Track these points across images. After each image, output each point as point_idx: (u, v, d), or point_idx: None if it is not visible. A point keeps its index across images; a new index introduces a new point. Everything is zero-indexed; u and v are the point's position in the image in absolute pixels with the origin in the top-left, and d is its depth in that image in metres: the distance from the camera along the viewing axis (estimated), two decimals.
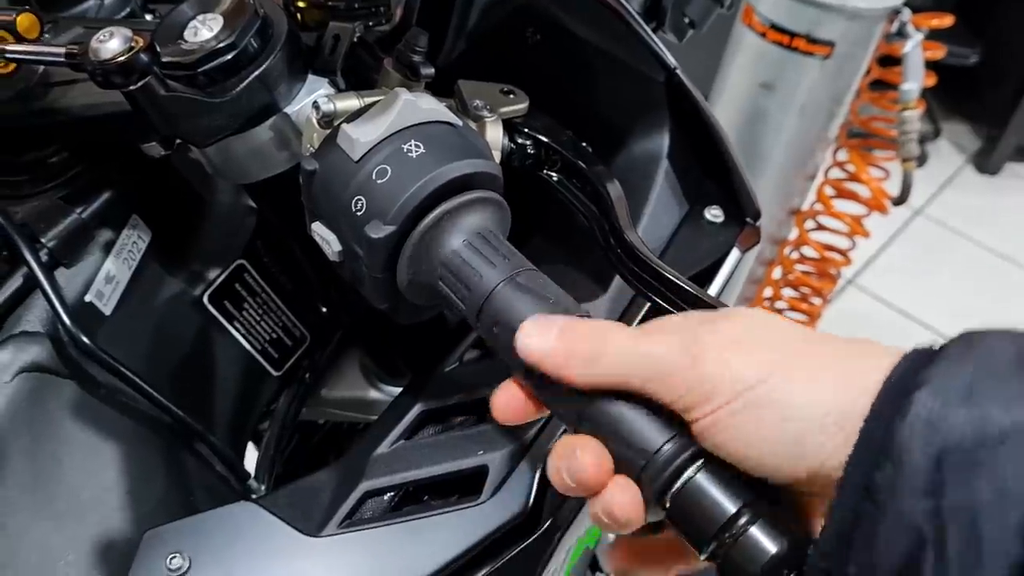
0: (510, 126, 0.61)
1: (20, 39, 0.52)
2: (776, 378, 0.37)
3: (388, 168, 0.47)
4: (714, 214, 0.68)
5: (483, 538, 0.53)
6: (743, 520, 0.38)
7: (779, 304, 1.62)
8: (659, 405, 0.40)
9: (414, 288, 0.49)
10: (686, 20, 0.73)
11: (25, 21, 0.52)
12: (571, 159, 0.61)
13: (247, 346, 0.70)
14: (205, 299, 0.66)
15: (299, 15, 0.60)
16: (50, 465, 0.54)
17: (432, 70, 0.54)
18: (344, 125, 0.48)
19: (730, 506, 0.38)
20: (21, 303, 0.55)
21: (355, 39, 0.56)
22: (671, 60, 0.65)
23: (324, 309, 0.76)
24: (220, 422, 0.68)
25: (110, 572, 0.53)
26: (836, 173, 1.52)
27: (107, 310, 0.59)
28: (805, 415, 0.37)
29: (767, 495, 0.39)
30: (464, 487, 0.55)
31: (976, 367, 0.34)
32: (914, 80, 1.31)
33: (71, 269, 0.57)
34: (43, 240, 0.56)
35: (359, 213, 0.47)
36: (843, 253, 1.53)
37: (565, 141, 0.61)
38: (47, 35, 0.57)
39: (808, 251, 1.55)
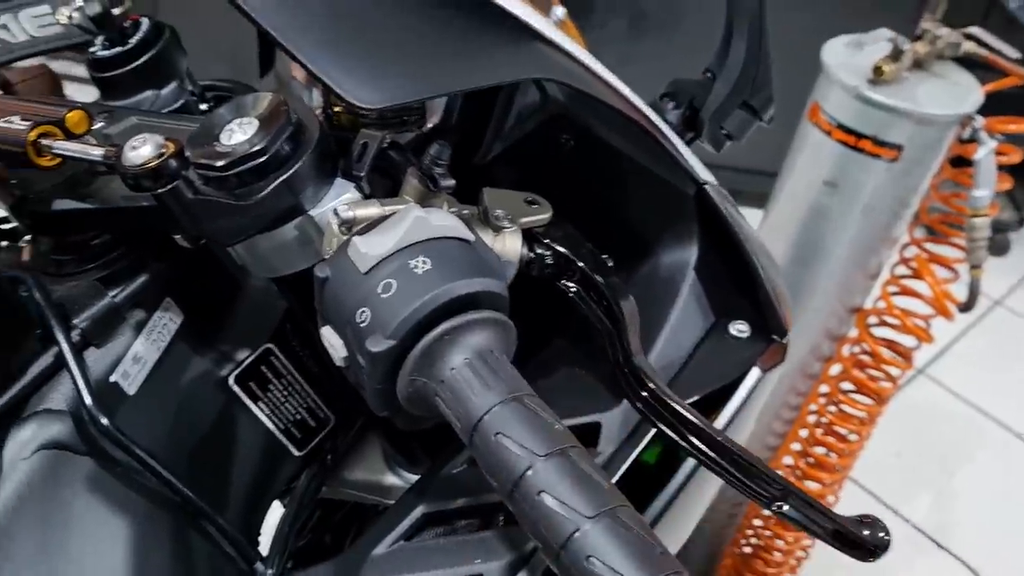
0: (531, 235, 0.61)
1: (69, 135, 0.55)
2: None
3: (393, 282, 0.48)
4: (739, 329, 0.67)
5: None
6: None
7: (835, 400, 1.58)
8: None
9: (413, 401, 0.50)
10: (724, 132, 0.73)
11: (74, 117, 0.55)
12: (589, 272, 0.61)
13: (270, 426, 0.71)
14: (231, 380, 0.68)
15: (336, 120, 0.62)
16: (59, 541, 0.56)
17: (452, 182, 0.56)
18: (355, 237, 0.49)
19: None
20: (49, 380, 0.58)
21: (384, 145, 0.57)
22: (701, 175, 0.66)
23: (350, 392, 0.78)
24: (235, 501, 0.69)
25: None
26: (902, 270, 1.49)
27: (131, 390, 0.61)
28: None
29: None
30: None
31: None
32: (986, 187, 1.28)
33: (101, 349, 0.60)
34: (76, 321, 0.58)
35: (363, 325, 0.48)
36: (905, 355, 1.49)
37: (584, 253, 0.62)
38: (101, 124, 0.61)
39: (868, 350, 1.51)
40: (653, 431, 0.61)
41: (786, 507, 0.50)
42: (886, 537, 0.49)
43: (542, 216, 0.61)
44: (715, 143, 0.74)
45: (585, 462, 0.45)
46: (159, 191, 0.50)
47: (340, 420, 0.77)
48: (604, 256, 0.63)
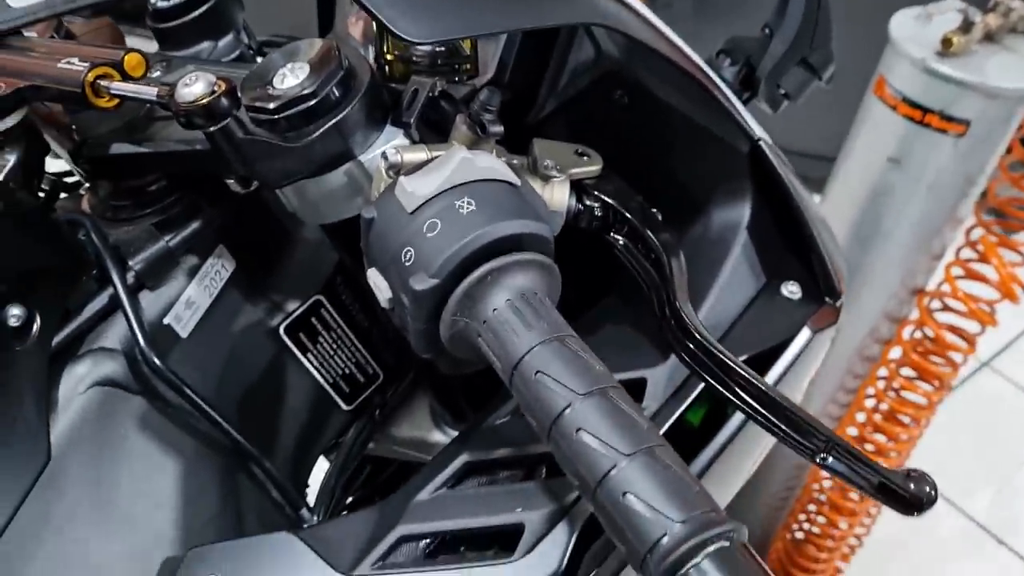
0: (580, 187, 0.61)
1: (126, 77, 0.55)
2: None
3: (438, 222, 0.48)
4: (791, 290, 0.66)
5: None
6: None
7: (894, 384, 1.55)
8: None
9: (455, 342, 0.50)
10: (781, 92, 0.72)
11: (132, 60, 0.56)
12: (638, 225, 0.60)
13: (319, 378, 0.72)
14: (281, 330, 0.69)
15: (387, 68, 0.62)
16: (110, 476, 0.57)
17: (501, 128, 0.55)
18: (402, 177, 0.50)
19: None
20: (105, 320, 0.59)
21: (434, 93, 0.57)
22: (756, 131, 0.65)
23: (399, 349, 0.78)
24: (282, 450, 0.70)
25: None
26: (967, 253, 1.45)
27: (184, 333, 0.62)
28: None
29: None
30: (500, 542, 0.55)
31: None
32: None
33: (154, 292, 0.61)
34: (131, 263, 0.59)
35: (407, 264, 0.48)
36: (968, 340, 1.45)
37: (634, 206, 0.61)
38: (158, 73, 0.62)
39: (929, 334, 1.47)
40: (699, 389, 0.60)
41: (831, 459, 0.49)
42: (933, 492, 0.48)
43: (592, 168, 0.61)
44: (772, 102, 0.72)
45: (624, 402, 0.44)
46: (210, 129, 0.51)
47: (388, 376, 0.78)
48: (654, 210, 0.62)
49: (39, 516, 0.53)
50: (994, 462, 2.45)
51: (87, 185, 0.68)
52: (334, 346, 0.73)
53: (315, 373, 0.72)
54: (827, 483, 1.69)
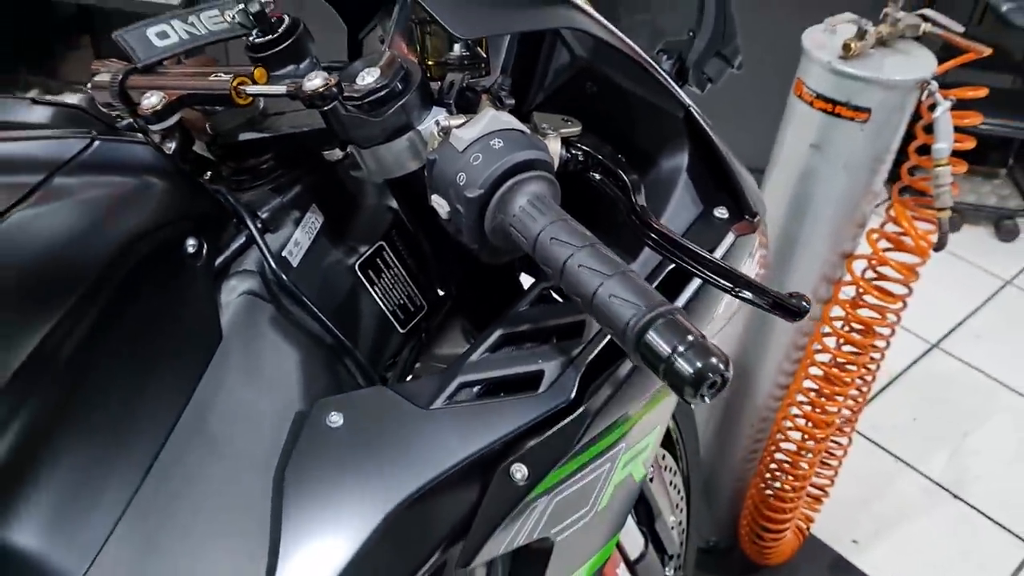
0: (567, 142, 0.88)
1: (255, 83, 0.82)
2: None
3: (480, 155, 0.74)
4: (720, 213, 0.92)
5: (537, 416, 0.79)
6: (674, 356, 0.62)
7: (842, 344, 1.81)
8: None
9: (495, 232, 0.75)
10: (705, 77, 0.99)
11: (259, 73, 0.82)
12: (609, 165, 0.87)
13: (382, 306, 0.97)
14: (356, 267, 0.95)
15: (428, 71, 0.90)
16: (256, 355, 0.82)
17: (513, 101, 0.82)
18: (455, 129, 0.76)
19: (667, 348, 0.63)
20: (244, 253, 0.85)
21: (464, 84, 0.84)
22: (687, 100, 0.92)
23: (440, 291, 1.04)
24: (361, 354, 0.95)
25: (290, 428, 0.80)
26: (891, 228, 1.73)
27: (295, 263, 0.88)
28: None
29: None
30: (528, 385, 0.81)
31: None
32: (944, 141, 1.51)
33: (274, 234, 0.87)
34: (259, 213, 0.85)
35: (461, 184, 0.74)
36: (893, 296, 1.72)
37: (606, 153, 0.88)
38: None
39: (861, 294, 1.74)
40: (663, 275, 0.86)
41: (743, 292, 0.75)
42: (807, 305, 0.74)
43: (575, 129, 0.88)
44: (699, 85, 1.00)
45: (605, 249, 0.70)
46: (326, 108, 0.77)
47: (432, 307, 1.03)
48: (620, 156, 0.89)
49: (216, 378, 0.78)
50: (947, 429, 2.72)
51: (208, 174, 0.95)
52: (392, 281, 0.98)
53: (380, 302, 0.97)
54: (793, 434, 1.95)
